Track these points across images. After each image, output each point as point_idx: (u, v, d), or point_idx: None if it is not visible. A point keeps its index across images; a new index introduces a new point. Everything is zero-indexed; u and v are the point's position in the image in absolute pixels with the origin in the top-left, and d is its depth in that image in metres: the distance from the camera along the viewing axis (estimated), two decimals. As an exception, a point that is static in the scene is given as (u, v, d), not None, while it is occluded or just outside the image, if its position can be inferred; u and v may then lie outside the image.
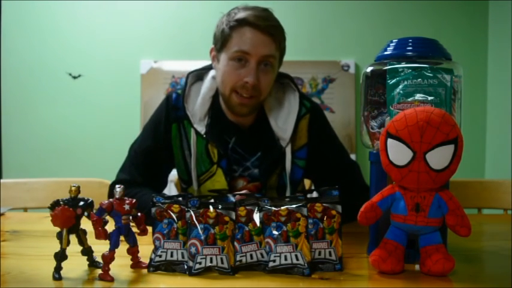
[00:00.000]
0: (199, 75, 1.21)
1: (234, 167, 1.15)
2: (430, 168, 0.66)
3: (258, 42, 1.05)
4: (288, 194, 1.15)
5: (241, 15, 1.06)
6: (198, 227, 0.71)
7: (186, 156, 1.16)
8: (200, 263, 0.69)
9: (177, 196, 0.76)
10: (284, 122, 1.15)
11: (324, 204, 0.74)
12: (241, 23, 1.06)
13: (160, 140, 1.17)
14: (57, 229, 0.68)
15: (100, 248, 0.70)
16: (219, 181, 1.13)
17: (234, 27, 1.06)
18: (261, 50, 1.06)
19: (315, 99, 2.35)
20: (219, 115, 1.17)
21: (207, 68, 1.21)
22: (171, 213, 0.74)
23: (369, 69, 0.82)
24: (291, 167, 1.14)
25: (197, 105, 1.16)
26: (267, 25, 1.06)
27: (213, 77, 1.18)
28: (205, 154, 1.14)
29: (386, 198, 0.71)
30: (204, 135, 1.13)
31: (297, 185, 1.20)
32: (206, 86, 1.18)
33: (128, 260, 0.73)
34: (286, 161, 1.14)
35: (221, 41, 1.10)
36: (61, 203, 0.67)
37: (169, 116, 1.17)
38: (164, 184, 1.25)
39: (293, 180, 1.17)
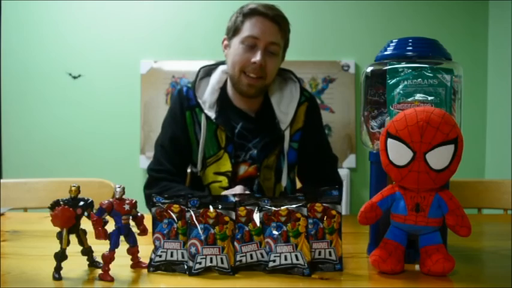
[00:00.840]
0: (208, 70, 1.33)
1: (238, 153, 1.25)
2: (430, 168, 0.66)
3: (266, 29, 1.20)
4: (284, 175, 1.26)
5: (252, 6, 1.22)
6: (198, 227, 0.72)
7: (199, 141, 1.27)
8: (200, 263, 0.69)
9: (177, 196, 0.76)
10: (286, 107, 1.29)
11: (324, 204, 0.74)
12: (253, 11, 1.20)
13: (179, 128, 1.28)
14: (57, 229, 0.68)
15: (100, 248, 0.70)
16: (224, 164, 1.24)
17: (247, 15, 1.21)
18: (268, 37, 1.19)
19: (315, 99, 2.35)
20: (227, 103, 1.30)
21: (217, 64, 1.34)
22: (171, 213, 0.74)
23: (369, 69, 0.82)
24: (288, 148, 1.27)
25: (206, 94, 1.28)
26: (275, 14, 1.20)
27: (223, 71, 1.31)
28: (214, 139, 1.25)
29: (386, 198, 0.71)
30: (214, 120, 1.24)
31: (292, 168, 1.32)
32: (215, 78, 1.31)
33: (127, 260, 0.73)
34: (284, 142, 1.26)
35: (234, 29, 1.24)
36: (61, 203, 0.67)
37: (182, 105, 1.28)
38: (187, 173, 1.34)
39: (289, 162, 1.28)
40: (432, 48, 0.79)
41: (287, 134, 1.26)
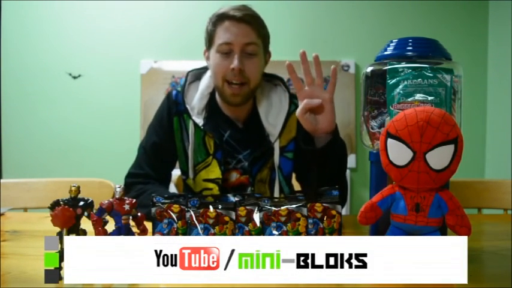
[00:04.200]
0: (197, 74, 1.30)
1: (228, 159, 1.23)
2: (430, 168, 0.66)
3: (238, 31, 1.16)
4: (276, 186, 1.23)
5: (220, 11, 1.18)
6: (198, 227, 0.72)
7: (186, 148, 1.25)
8: (200, 263, 0.69)
9: (177, 196, 0.76)
10: (274, 118, 1.24)
11: (324, 204, 0.74)
12: (221, 17, 1.17)
13: (165, 133, 1.25)
14: (57, 229, 0.68)
15: (100, 248, 0.70)
16: (213, 171, 1.21)
17: (216, 23, 1.18)
18: (242, 39, 1.16)
19: (315, 99, 2.35)
20: (216, 110, 1.27)
21: (206, 68, 1.30)
22: (171, 213, 0.74)
23: (369, 69, 0.82)
24: (281, 160, 1.23)
25: (195, 100, 1.25)
26: (243, 15, 1.16)
27: (211, 76, 1.27)
28: (202, 145, 1.23)
29: (386, 198, 0.71)
30: (202, 127, 1.21)
31: (289, 179, 1.27)
32: (204, 83, 1.27)
33: (128, 260, 0.73)
34: (275, 155, 1.22)
35: (208, 39, 1.21)
36: (61, 203, 0.67)
37: (170, 110, 1.25)
38: (170, 177, 1.31)
39: (284, 173, 1.24)
40: (432, 48, 0.79)
41: (276, 146, 1.22)
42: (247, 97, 1.22)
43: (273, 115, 1.25)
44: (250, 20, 1.17)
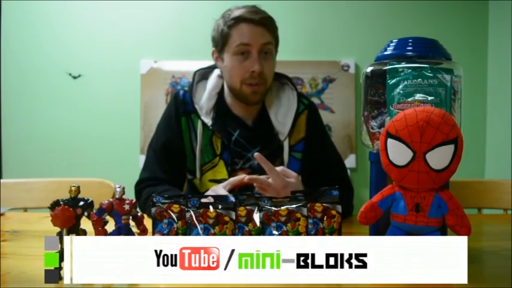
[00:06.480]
0: (204, 74, 1.30)
1: (235, 160, 1.22)
2: (430, 168, 0.66)
3: (255, 33, 1.17)
4: None
5: (235, 14, 1.17)
6: (198, 227, 0.72)
7: (194, 148, 1.24)
8: (200, 263, 0.69)
9: (177, 196, 0.76)
10: (283, 117, 1.25)
11: (324, 204, 0.74)
12: (237, 20, 1.16)
13: (174, 133, 1.24)
14: (57, 229, 0.68)
15: (100, 248, 0.70)
16: (220, 172, 1.21)
17: (232, 26, 1.17)
18: (260, 39, 1.17)
19: (315, 99, 2.35)
20: (224, 110, 1.27)
21: (212, 67, 1.30)
22: (171, 213, 0.74)
23: (369, 69, 0.82)
24: (289, 159, 1.23)
25: (203, 100, 1.25)
26: (260, 17, 1.17)
27: (218, 76, 1.27)
28: (210, 145, 1.22)
29: (386, 198, 0.71)
30: (210, 127, 1.21)
31: None
32: (212, 83, 1.27)
33: (128, 260, 0.73)
34: (284, 153, 1.22)
35: (222, 41, 1.19)
36: (61, 203, 0.67)
37: (178, 110, 1.25)
38: (184, 178, 1.29)
39: None
40: (432, 48, 0.79)
41: (286, 144, 1.23)
42: (263, 95, 1.24)
43: (282, 113, 1.25)
44: (267, 22, 1.18)
